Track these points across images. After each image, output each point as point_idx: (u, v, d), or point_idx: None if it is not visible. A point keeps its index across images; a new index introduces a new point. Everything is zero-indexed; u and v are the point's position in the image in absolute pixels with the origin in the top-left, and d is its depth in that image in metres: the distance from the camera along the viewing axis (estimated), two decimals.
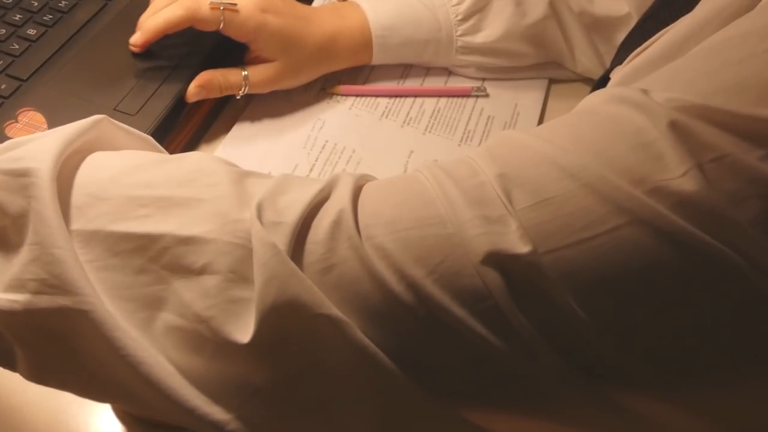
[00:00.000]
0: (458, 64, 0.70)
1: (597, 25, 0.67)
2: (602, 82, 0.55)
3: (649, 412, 0.27)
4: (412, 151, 0.65)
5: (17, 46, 0.61)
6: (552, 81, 0.72)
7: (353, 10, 0.67)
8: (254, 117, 0.65)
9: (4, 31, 0.62)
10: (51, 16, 0.65)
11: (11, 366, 0.33)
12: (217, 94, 0.62)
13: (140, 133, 0.38)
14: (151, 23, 0.59)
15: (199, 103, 0.63)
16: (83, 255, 0.29)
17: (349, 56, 0.67)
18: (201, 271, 0.29)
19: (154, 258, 0.29)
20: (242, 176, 0.32)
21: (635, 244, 0.25)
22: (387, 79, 0.71)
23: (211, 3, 0.58)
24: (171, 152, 0.59)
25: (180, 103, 0.61)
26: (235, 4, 0.59)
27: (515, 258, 0.26)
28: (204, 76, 0.61)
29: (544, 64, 0.71)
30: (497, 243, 0.26)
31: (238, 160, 0.61)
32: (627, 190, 0.25)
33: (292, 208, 0.29)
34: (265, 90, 0.64)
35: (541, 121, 0.69)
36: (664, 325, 0.25)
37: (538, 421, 0.28)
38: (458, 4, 0.67)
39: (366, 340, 0.27)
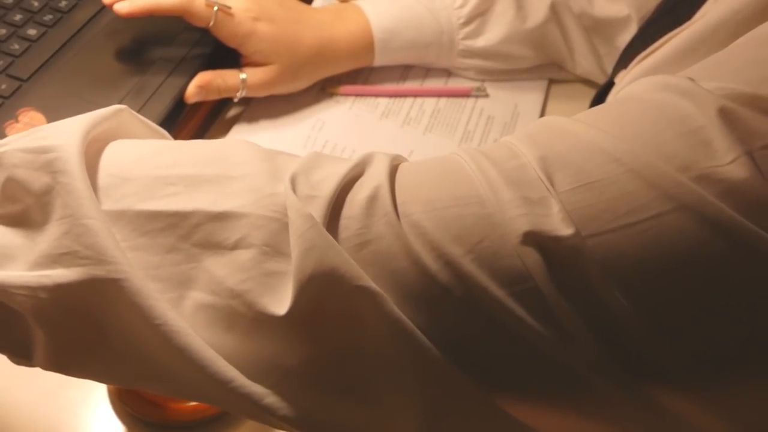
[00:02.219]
0: (459, 66, 0.70)
1: (596, 27, 0.67)
2: (607, 86, 0.55)
3: (682, 410, 0.26)
4: (412, 151, 0.65)
5: (17, 46, 0.61)
6: (552, 81, 0.72)
7: (355, 12, 0.67)
8: (254, 117, 0.65)
9: (4, 31, 0.62)
10: (51, 17, 0.65)
11: (27, 356, 0.32)
12: (215, 96, 0.62)
13: (158, 127, 0.37)
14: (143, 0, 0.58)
15: (198, 104, 0.63)
16: None
17: (350, 59, 0.67)
18: (234, 246, 0.28)
19: (184, 236, 0.29)
20: (272, 154, 0.31)
21: (681, 232, 0.24)
22: (387, 79, 0.71)
23: (207, 0, 0.58)
24: None
25: (180, 103, 0.61)
26: (230, 8, 0.59)
27: (557, 240, 0.25)
28: (203, 77, 0.61)
29: (544, 66, 0.71)
30: (538, 224, 0.25)
31: None
32: (673, 176, 0.25)
33: (327, 182, 0.28)
34: (263, 93, 0.64)
35: None
36: (706, 316, 0.25)
37: (573, 415, 0.28)
38: (461, 7, 0.67)
39: (403, 317, 0.26)
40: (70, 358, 0.31)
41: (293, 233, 0.27)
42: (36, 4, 0.65)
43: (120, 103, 0.58)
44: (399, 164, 0.31)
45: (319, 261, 0.26)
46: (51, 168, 0.29)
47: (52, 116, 0.56)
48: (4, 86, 0.58)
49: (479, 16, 0.67)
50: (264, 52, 0.62)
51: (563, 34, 0.68)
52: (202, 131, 0.64)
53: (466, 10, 0.67)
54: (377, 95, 0.69)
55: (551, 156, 0.27)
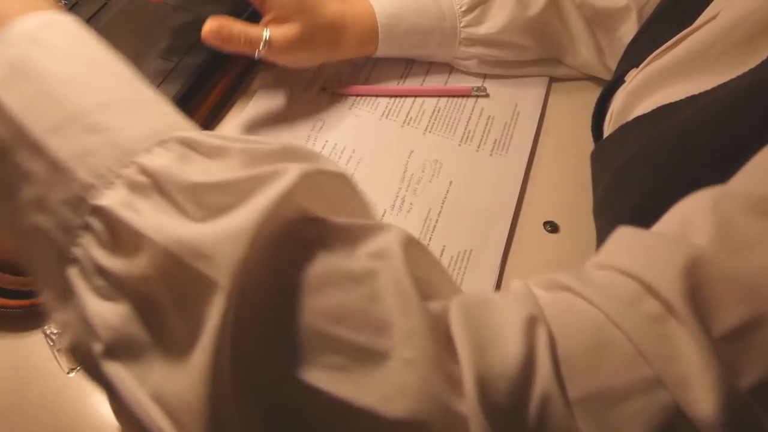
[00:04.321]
0: (461, 56, 0.70)
1: (596, 18, 0.67)
2: (614, 83, 0.55)
3: None
4: (412, 151, 0.65)
5: None
6: (552, 81, 0.72)
7: None
8: (254, 117, 0.65)
9: None
10: None
11: None
12: (235, 47, 0.59)
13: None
14: None
15: (199, 103, 0.63)
16: None
17: (356, 43, 0.67)
18: None
19: None
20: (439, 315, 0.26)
21: None
22: (387, 79, 0.71)
23: None
24: None
25: (180, 102, 0.61)
26: None
27: None
28: (226, 19, 0.57)
29: (544, 60, 0.71)
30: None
31: None
32: None
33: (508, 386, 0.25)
34: (282, 54, 0.62)
35: (541, 121, 0.69)
36: None
37: None
38: None
39: None
40: None
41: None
42: None
43: None
44: (551, 331, 0.26)
45: None
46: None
47: None
48: None
49: (481, 3, 0.68)
50: (288, 7, 0.61)
51: (563, 24, 0.68)
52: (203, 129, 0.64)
53: None
54: (377, 95, 0.69)
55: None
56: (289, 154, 0.28)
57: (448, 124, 0.67)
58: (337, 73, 0.70)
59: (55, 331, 0.41)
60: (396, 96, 0.69)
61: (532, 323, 0.26)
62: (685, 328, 0.25)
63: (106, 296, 0.26)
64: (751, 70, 0.37)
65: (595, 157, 0.53)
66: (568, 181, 0.63)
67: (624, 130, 0.48)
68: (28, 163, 0.27)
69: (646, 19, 0.64)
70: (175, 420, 0.24)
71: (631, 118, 0.47)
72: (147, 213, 0.26)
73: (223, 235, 0.24)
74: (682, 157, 0.38)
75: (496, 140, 0.66)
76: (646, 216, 0.40)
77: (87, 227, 0.26)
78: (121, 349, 0.25)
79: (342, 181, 0.29)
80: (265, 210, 0.25)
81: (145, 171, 0.26)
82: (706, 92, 0.40)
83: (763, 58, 0.37)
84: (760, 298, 0.25)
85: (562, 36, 0.69)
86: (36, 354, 0.47)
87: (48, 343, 0.41)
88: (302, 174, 0.26)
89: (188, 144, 0.27)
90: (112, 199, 0.26)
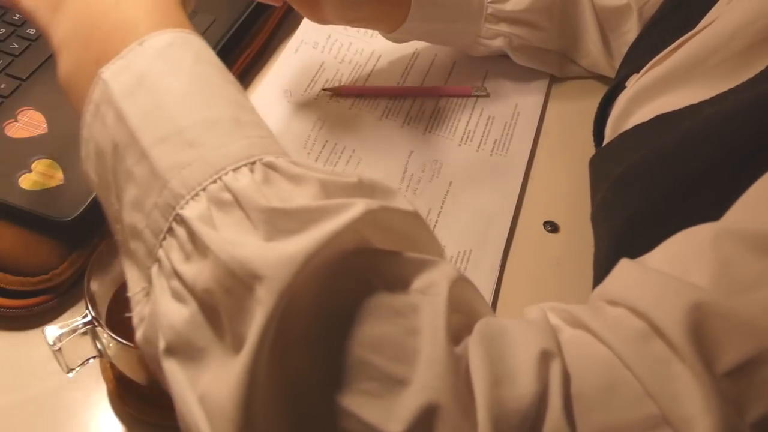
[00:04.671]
0: (485, 35, 0.68)
1: (601, 15, 0.68)
2: (614, 90, 0.55)
3: None
4: (412, 151, 0.65)
5: (17, 46, 0.61)
6: (552, 81, 0.72)
7: None
8: None
9: (4, 30, 0.62)
10: None
11: None
12: None
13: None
14: None
15: None
16: None
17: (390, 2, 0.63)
18: None
19: None
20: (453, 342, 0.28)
21: None
22: (387, 79, 0.71)
23: None
24: None
25: None
26: None
27: None
28: None
29: (552, 57, 0.71)
30: None
31: None
32: None
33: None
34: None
35: (541, 122, 0.69)
36: None
37: None
38: None
39: None
40: None
41: None
42: None
43: None
44: (568, 374, 0.27)
45: None
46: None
47: (51, 116, 0.56)
48: (3, 86, 0.58)
49: None
50: None
51: (578, 13, 0.69)
52: None
53: None
54: (377, 95, 0.69)
55: None
56: (364, 189, 0.30)
57: (448, 124, 0.67)
58: (336, 73, 0.70)
59: (55, 332, 0.41)
60: (396, 96, 0.69)
61: (546, 358, 0.27)
62: (689, 369, 0.26)
63: (177, 298, 0.28)
64: (750, 81, 0.38)
65: (593, 164, 0.53)
66: (568, 181, 0.63)
67: (623, 138, 0.48)
68: (134, 167, 0.30)
69: (646, 20, 0.64)
70: (213, 425, 0.26)
71: (629, 124, 0.47)
72: (222, 228, 0.28)
73: (277, 259, 0.26)
74: (681, 170, 0.38)
75: (496, 140, 0.66)
76: (643, 227, 0.40)
77: (171, 232, 0.29)
78: (180, 349, 0.27)
79: (412, 219, 0.31)
80: (321, 240, 0.26)
81: (229, 188, 0.28)
82: (704, 102, 0.40)
83: (762, 68, 0.37)
84: (762, 336, 0.26)
85: (576, 24, 0.69)
86: (36, 354, 0.47)
87: (48, 343, 0.41)
88: (366, 210, 0.28)
89: (272, 168, 0.30)
90: (195, 210, 0.28)
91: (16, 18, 0.63)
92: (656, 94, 0.46)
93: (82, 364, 0.43)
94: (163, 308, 0.28)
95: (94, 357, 0.44)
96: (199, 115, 0.31)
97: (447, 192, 0.62)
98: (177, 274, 0.28)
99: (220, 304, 0.27)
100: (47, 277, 0.49)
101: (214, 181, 0.29)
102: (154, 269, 0.29)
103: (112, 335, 0.40)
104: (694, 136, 0.38)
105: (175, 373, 0.27)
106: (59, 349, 0.41)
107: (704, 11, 0.46)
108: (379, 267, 0.29)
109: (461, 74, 0.72)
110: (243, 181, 0.29)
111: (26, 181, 0.51)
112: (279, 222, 0.27)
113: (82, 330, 0.41)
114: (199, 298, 0.27)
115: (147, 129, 0.30)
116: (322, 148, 0.64)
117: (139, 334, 0.30)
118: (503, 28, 0.68)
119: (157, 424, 0.46)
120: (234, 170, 0.29)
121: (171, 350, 0.27)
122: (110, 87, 0.31)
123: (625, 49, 0.60)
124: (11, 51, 0.61)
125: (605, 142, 0.52)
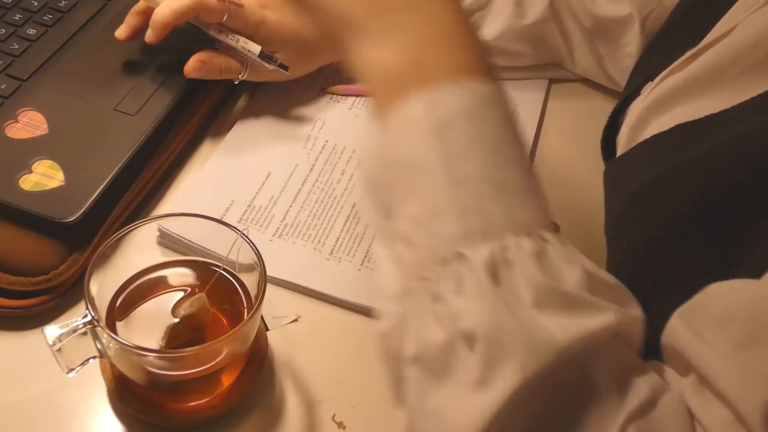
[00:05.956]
0: None
1: (598, 26, 0.67)
2: (629, 98, 0.54)
3: None
4: None
5: (17, 46, 0.61)
6: (552, 81, 0.72)
7: None
8: (254, 117, 0.65)
9: (4, 31, 0.62)
10: (51, 16, 0.65)
11: None
12: (216, 75, 0.61)
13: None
14: (159, 17, 0.58)
15: (199, 103, 0.63)
16: None
17: None
18: None
19: None
20: None
21: None
22: None
23: None
24: (170, 152, 0.59)
25: (180, 103, 0.61)
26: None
27: None
28: (206, 53, 0.60)
29: (544, 65, 0.71)
30: None
31: (238, 160, 0.61)
32: None
33: None
34: (263, 78, 0.63)
35: (541, 121, 0.69)
36: None
37: None
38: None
39: None
40: None
41: None
42: (36, 3, 0.65)
43: (120, 102, 0.58)
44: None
45: None
46: None
47: (51, 116, 0.56)
48: (3, 86, 0.58)
49: (478, 10, 0.67)
50: (273, 42, 0.61)
51: (562, 32, 0.68)
52: (202, 131, 0.64)
53: (466, 4, 0.67)
54: None
55: None
56: (622, 295, 0.32)
57: None
58: (337, 73, 0.70)
59: (55, 332, 0.41)
60: None
61: None
62: None
63: (438, 321, 0.30)
64: None
65: (609, 173, 0.51)
66: (567, 181, 0.63)
67: (642, 147, 0.46)
68: (428, 190, 0.32)
69: (651, 29, 0.64)
70: None
71: (647, 133, 0.46)
72: (501, 283, 0.30)
73: (540, 341, 0.29)
74: (711, 186, 0.37)
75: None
76: (668, 243, 0.40)
77: (445, 263, 0.31)
78: (427, 363, 0.30)
79: (640, 325, 0.33)
80: (589, 332, 0.29)
81: (505, 250, 0.31)
82: (727, 111, 0.40)
83: None
84: None
85: (560, 45, 0.69)
86: (36, 354, 0.47)
87: (48, 343, 0.41)
88: (619, 320, 0.30)
89: (548, 242, 0.32)
90: (474, 256, 0.30)
91: (17, 18, 0.63)
92: (675, 103, 0.45)
93: (82, 364, 0.43)
94: (420, 324, 0.31)
95: (94, 357, 0.44)
96: (494, 173, 0.32)
97: None
98: (443, 301, 0.30)
99: (477, 345, 0.29)
100: (47, 277, 0.49)
101: (498, 239, 0.31)
102: (420, 284, 0.31)
103: (112, 335, 0.40)
104: (725, 151, 0.37)
105: (415, 379, 0.31)
106: (59, 349, 0.41)
107: (717, 18, 0.46)
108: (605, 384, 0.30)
109: None
110: (524, 248, 0.31)
111: (27, 182, 0.51)
112: (549, 299, 0.30)
113: (82, 330, 0.41)
114: (458, 330, 0.30)
115: (454, 162, 0.32)
116: (322, 148, 0.64)
117: (384, 325, 0.33)
118: None
119: (157, 424, 0.46)
120: (515, 235, 0.31)
121: (418, 360, 0.31)
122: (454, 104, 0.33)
123: (624, 60, 0.59)
124: (11, 51, 0.61)
125: (619, 151, 0.51)
